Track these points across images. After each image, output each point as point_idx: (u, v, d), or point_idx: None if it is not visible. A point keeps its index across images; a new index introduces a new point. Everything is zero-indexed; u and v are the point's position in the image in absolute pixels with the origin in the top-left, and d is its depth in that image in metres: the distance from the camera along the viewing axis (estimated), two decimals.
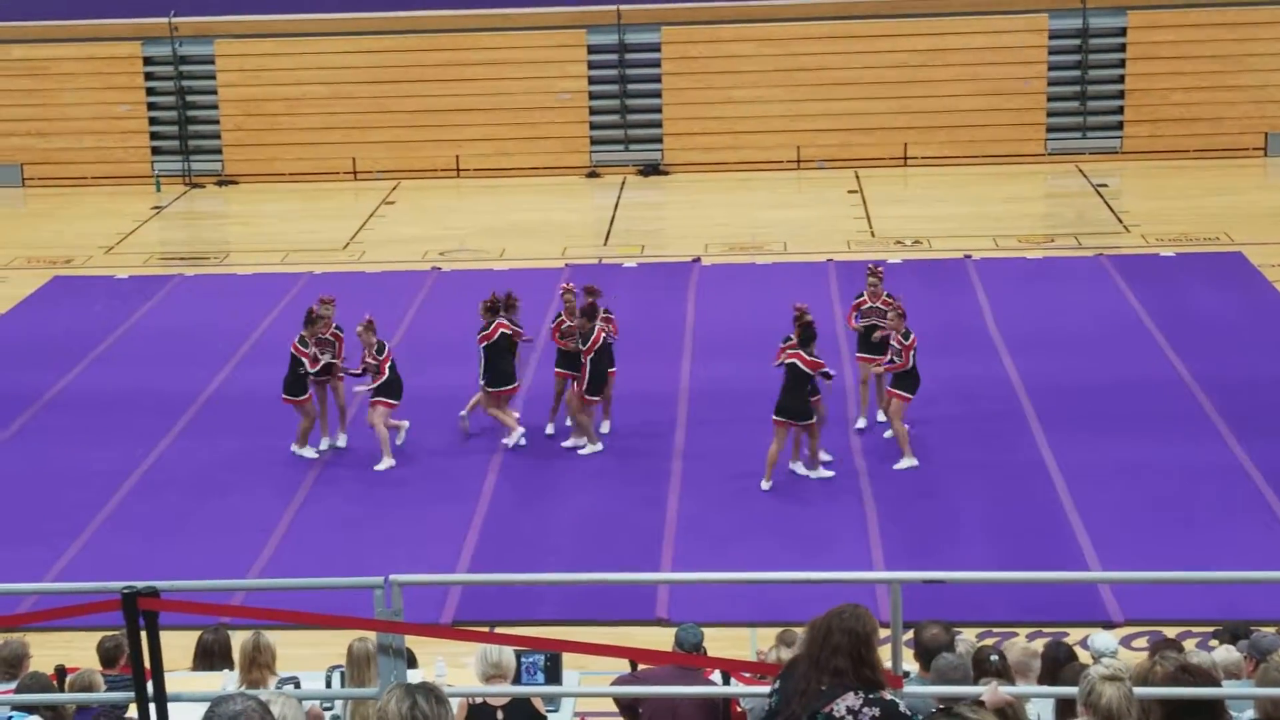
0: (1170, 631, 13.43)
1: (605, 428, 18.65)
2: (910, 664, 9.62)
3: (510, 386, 18.36)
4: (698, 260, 25.43)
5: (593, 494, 17.38)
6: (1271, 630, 11.31)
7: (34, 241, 28.12)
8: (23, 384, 20.80)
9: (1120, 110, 31.50)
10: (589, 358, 17.94)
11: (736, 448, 18.15)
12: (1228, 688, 8.49)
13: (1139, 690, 6.60)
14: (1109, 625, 13.83)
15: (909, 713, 6.32)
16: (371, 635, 9.01)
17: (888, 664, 6.76)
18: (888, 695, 6.32)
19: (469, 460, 18.18)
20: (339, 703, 9.77)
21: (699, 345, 21.66)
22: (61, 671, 10.54)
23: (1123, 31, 31.39)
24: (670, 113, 31.73)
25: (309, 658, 11.61)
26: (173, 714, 7.03)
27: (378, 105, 31.66)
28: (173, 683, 7.16)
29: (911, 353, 17.18)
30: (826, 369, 16.96)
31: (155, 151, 32.30)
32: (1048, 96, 31.44)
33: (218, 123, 32.22)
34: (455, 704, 8.75)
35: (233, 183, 31.94)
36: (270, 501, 17.25)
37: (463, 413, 18.70)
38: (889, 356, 17.46)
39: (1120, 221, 27.14)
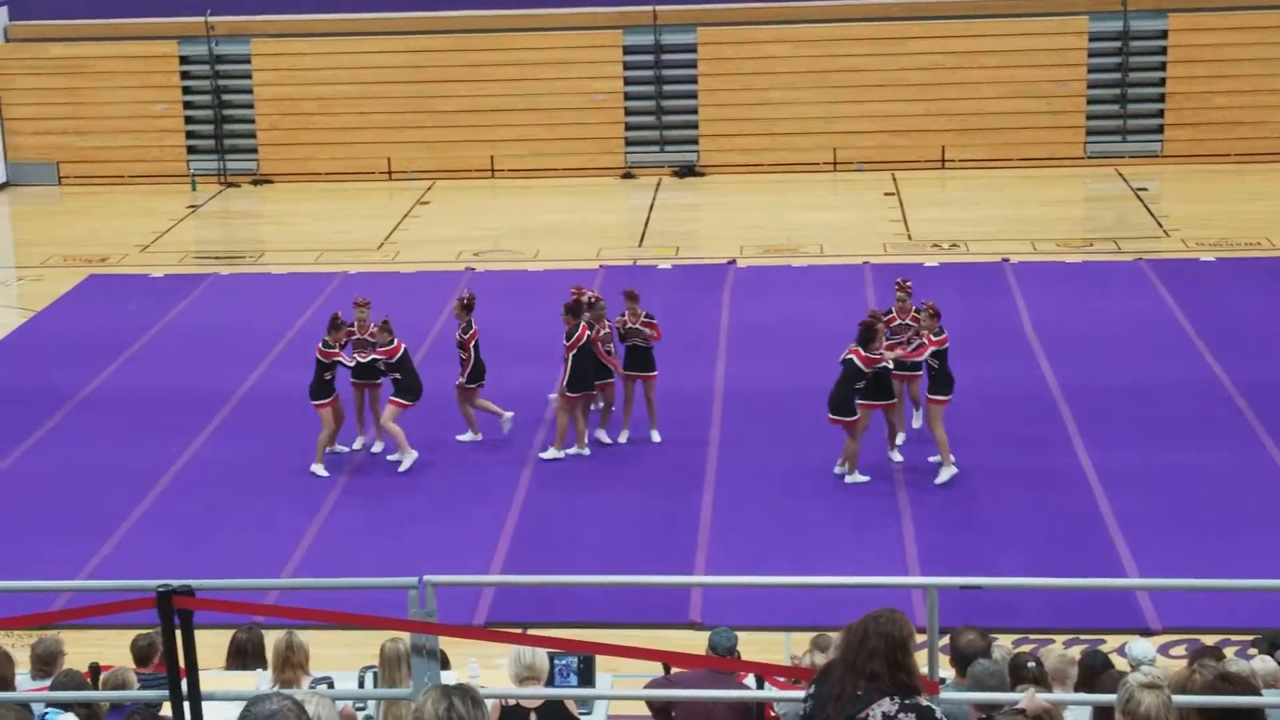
0: (1209, 639, 13.18)
1: (655, 436, 18.51)
2: (946, 670, 9.60)
3: (588, 391, 18.16)
4: (733, 262, 25.36)
5: (626, 496, 17.31)
6: None
7: (70, 240, 28.20)
8: (58, 382, 20.85)
9: (1160, 114, 31.27)
10: (571, 354, 17.80)
11: (771, 450, 18.10)
12: (1268, 697, 8.39)
13: (1178, 698, 6.55)
14: (1147, 632, 13.70)
15: (945, 719, 6.26)
16: (404, 636, 9.02)
17: (924, 670, 6.70)
18: (924, 701, 6.27)
19: (502, 461, 18.13)
20: (371, 703, 9.75)
21: (733, 347, 21.58)
22: (95, 669, 10.54)
23: (1164, 34, 31.17)
24: (706, 114, 31.65)
25: (342, 658, 11.62)
26: (206, 713, 7.02)
27: (413, 105, 31.66)
28: (206, 682, 7.14)
29: (930, 350, 16.97)
30: (885, 364, 16.89)
31: (191, 150, 32.37)
32: (1087, 99, 31.23)
33: (253, 122, 32.28)
34: (489, 705, 8.71)
35: (268, 182, 31.98)
36: (304, 501, 17.24)
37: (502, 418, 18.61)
38: (906, 338, 17.27)
39: (1160, 226, 26.96)
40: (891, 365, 17.07)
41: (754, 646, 12.66)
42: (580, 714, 9.65)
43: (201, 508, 17.18)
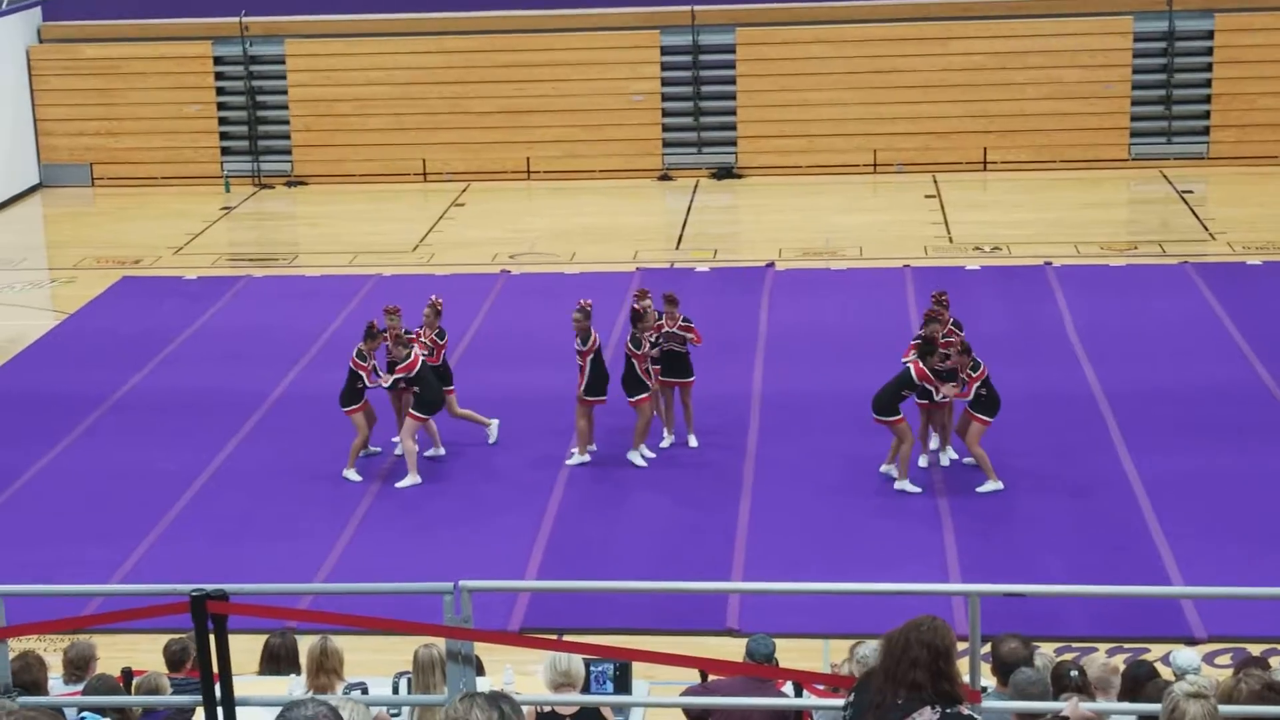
0: (1255, 648, 13.15)
1: (693, 441, 18.35)
2: (988, 679, 9.54)
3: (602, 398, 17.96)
4: (771, 265, 25.22)
5: (663, 501, 17.19)
6: None
7: (103, 241, 28.20)
8: (91, 384, 20.81)
9: (1206, 115, 30.98)
10: (589, 359, 17.63)
11: (810, 456, 17.96)
12: None
13: (1224, 708, 6.58)
14: (1191, 641, 13.56)
15: None
16: (438, 642, 9.01)
17: (965, 678, 6.64)
18: (965, 710, 6.22)
19: (537, 465, 18.02)
20: (404, 709, 9.75)
21: (772, 352, 21.43)
22: (128, 674, 10.56)
23: (1210, 34, 30.88)
24: (744, 115, 31.48)
25: (375, 663, 11.59)
26: (240, 719, 7.02)
27: (448, 106, 31.60)
28: (239, 687, 7.17)
29: (976, 386, 16.80)
30: (934, 389, 16.75)
31: (225, 152, 32.35)
32: (1132, 100, 30.96)
33: (287, 123, 32.25)
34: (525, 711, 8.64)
35: (302, 183, 31.96)
36: (337, 505, 17.15)
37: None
38: (956, 384, 17.09)
39: (1206, 229, 26.72)
40: (940, 397, 16.94)
41: (792, 654, 12.54)
42: None
43: (235, 511, 17.11)
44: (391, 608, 10.62)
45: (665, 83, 31.74)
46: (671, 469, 17.93)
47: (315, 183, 31.88)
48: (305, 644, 10.39)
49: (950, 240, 26.52)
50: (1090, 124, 30.74)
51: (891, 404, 16.77)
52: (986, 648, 9.67)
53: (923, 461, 17.56)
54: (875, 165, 31.02)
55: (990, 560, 15.46)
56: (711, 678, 10.09)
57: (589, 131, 31.37)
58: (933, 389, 16.79)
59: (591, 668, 9.66)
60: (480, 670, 9.85)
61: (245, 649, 9.74)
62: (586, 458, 17.98)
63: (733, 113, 31.61)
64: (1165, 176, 30.06)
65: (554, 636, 13.09)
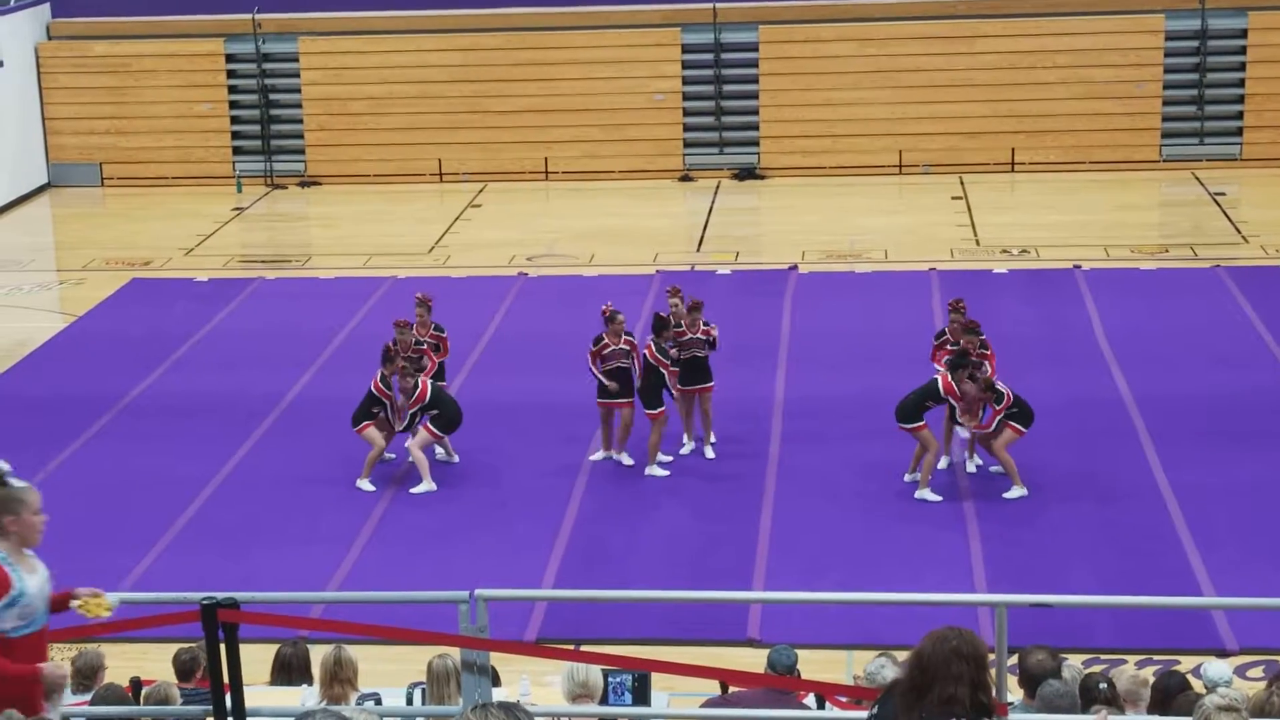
0: None
1: (710, 453, 18.12)
2: (1015, 692, 9.51)
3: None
4: (794, 268, 25.04)
5: (683, 508, 17.04)
6: None
7: (113, 242, 28.09)
8: (101, 387, 20.67)
9: (1240, 115, 30.75)
10: (598, 364, 17.48)
11: (832, 462, 17.81)
12: None
13: None
14: (1223, 653, 13.33)
15: None
16: (452, 652, 9.09)
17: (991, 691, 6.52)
18: None
19: (554, 473, 17.83)
20: None
21: (795, 356, 21.27)
22: (137, 684, 10.61)
23: (1243, 33, 30.64)
24: (767, 115, 31.28)
25: (389, 673, 11.57)
26: None
27: (465, 105, 31.43)
28: (250, 697, 7.29)
29: (999, 418, 16.59)
30: (956, 406, 16.57)
31: (237, 151, 32.19)
32: (1163, 101, 30.75)
33: (301, 122, 32.08)
34: None
35: (315, 184, 31.78)
36: (350, 512, 17.00)
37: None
38: (975, 418, 16.83)
39: (1239, 231, 26.52)
40: (966, 434, 16.86)
41: (814, 665, 12.50)
42: None
43: (247, 517, 16.96)
44: (406, 617, 10.55)
45: (686, 82, 31.55)
46: (691, 476, 17.77)
47: (329, 183, 31.70)
48: (317, 653, 10.37)
49: (977, 243, 26.35)
50: (1121, 124, 30.50)
51: (915, 412, 16.63)
52: (1013, 659, 9.58)
53: (942, 464, 17.39)
54: (900, 166, 30.81)
55: (1016, 570, 15.31)
56: (732, 689, 10.11)
57: (609, 131, 31.19)
58: (956, 406, 16.58)
59: (610, 679, 9.60)
60: (496, 681, 9.95)
61: (256, 658, 9.82)
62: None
63: (755, 112, 31.41)
64: (1197, 178, 29.83)
65: (571, 647, 13.17)
